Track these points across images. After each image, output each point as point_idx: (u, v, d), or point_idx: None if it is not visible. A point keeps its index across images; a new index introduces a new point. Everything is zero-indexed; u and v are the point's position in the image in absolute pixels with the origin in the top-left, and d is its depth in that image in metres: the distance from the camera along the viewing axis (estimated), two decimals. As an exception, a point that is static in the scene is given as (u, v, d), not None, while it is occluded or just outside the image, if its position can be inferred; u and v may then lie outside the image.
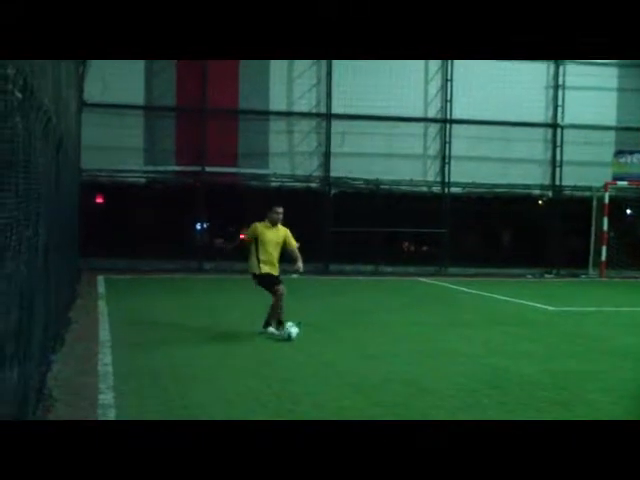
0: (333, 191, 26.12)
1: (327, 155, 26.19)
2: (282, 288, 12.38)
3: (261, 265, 12.37)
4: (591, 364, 10.96)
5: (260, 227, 12.49)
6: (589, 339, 13.25)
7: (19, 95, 4.90)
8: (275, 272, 12.48)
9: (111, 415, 7.42)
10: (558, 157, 27.70)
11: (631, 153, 28.23)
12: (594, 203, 26.92)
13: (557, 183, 27.68)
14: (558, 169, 27.68)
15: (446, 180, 27.04)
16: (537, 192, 27.91)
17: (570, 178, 27.48)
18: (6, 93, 4.48)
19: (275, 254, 12.47)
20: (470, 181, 26.90)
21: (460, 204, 26.93)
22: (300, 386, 8.98)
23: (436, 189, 27.19)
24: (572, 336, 13.54)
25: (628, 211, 28.49)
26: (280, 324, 12.31)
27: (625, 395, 9.15)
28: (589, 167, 27.33)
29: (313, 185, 26.26)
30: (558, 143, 27.71)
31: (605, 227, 26.49)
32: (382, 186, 26.28)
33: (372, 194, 26.34)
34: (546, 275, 26.67)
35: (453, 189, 27.08)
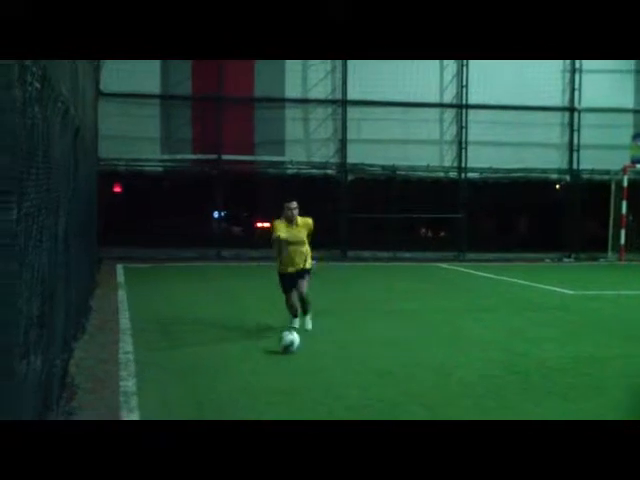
0: (350, 178, 26.08)
1: (343, 142, 26.13)
2: (292, 297, 11.74)
3: (281, 266, 11.74)
4: (613, 349, 10.91)
5: (277, 225, 11.67)
6: (610, 323, 13.20)
7: (38, 85, 4.92)
8: (294, 269, 11.65)
9: (133, 402, 7.47)
10: (575, 141, 27.53)
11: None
12: (612, 187, 26.74)
13: (575, 167, 27.52)
14: (575, 153, 27.51)
15: (463, 166, 26.95)
16: (554, 176, 27.76)
17: (588, 162, 27.32)
18: (25, 83, 4.49)
19: (295, 252, 11.60)
20: (487, 166, 26.79)
21: (477, 189, 26.86)
22: (324, 375, 8.98)
23: (453, 175, 27.10)
24: (592, 321, 13.50)
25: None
26: (295, 316, 11.88)
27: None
28: (607, 150, 27.14)
29: (330, 172, 26.23)
30: (575, 127, 27.53)
31: (624, 210, 26.32)
32: (399, 172, 26.21)
33: (389, 180, 26.30)
34: (565, 259, 26.56)
35: (470, 174, 26.97)
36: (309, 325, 11.80)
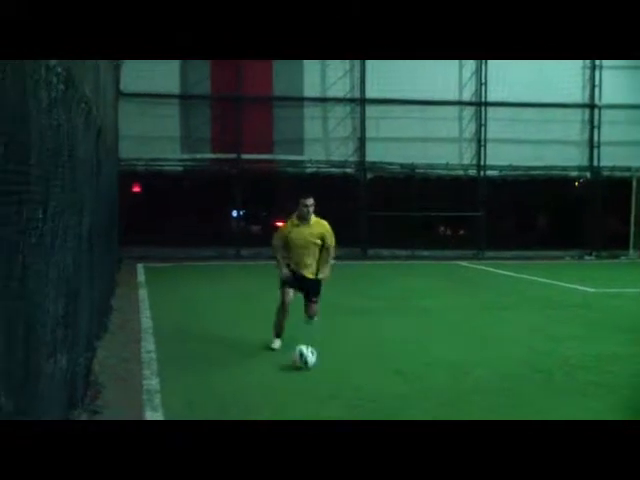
0: (369, 176, 26.08)
1: (362, 140, 26.14)
2: (288, 294, 10.18)
3: (291, 266, 10.20)
4: (635, 347, 10.88)
5: (286, 227, 10.24)
6: (632, 321, 13.15)
7: (62, 87, 4.96)
8: (300, 272, 10.16)
9: (157, 401, 7.51)
10: (596, 138, 27.41)
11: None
12: (634, 183, 26.63)
13: (595, 164, 27.39)
14: (596, 150, 27.39)
15: (482, 163, 26.88)
16: (574, 174, 27.65)
17: (608, 159, 27.19)
18: (50, 84, 4.53)
19: (306, 255, 10.14)
20: (506, 164, 26.71)
21: (496, 187, 26.79)
22: (342, 372, 9.01)
23: (472, 172, 27.04)
24: (615, 318, 13.43)
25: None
26: (278, 336, 10.29)
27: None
28: (628, 147, 27.02)
29: (348, 170, 26.24)
30: (595, 123, 27.41)
31: (644, 208, 26.25)
32: (417, 170, 26.19)
33: (408, 178, 26.27)
34: (585, 257, 26.46)
35: (489, 172, 26.92)
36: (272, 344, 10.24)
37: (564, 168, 27.21)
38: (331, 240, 10.21)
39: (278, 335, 10.21)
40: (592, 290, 17.19)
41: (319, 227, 10.18)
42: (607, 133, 27.22)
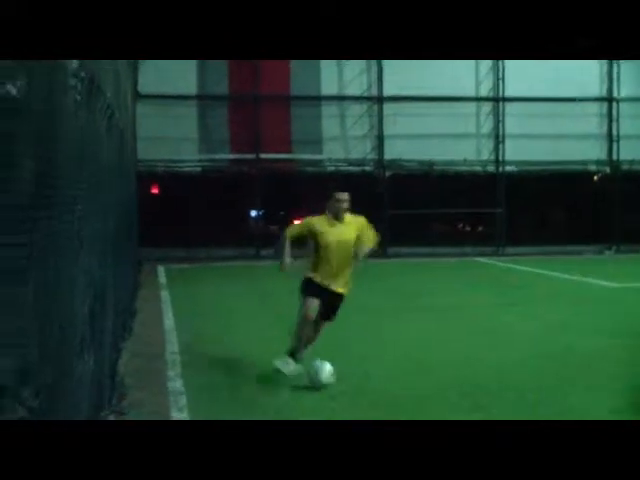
0: (387, 174, 26.07)
1: (380, 138, 26.13)
2: (313, 307, 8.49)
3: (311, 269, 8.64)
4: None
5: (317, 223, 8.60)
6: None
7: (86, 91, 5.00)
8: (327, 284, 8.54)
9: (182, 402, 7.56)
10: (614, 131, 27.28)
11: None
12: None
13: (614, 158, 27.26)
14: (615, 144, 27.26)
15: (500, 159, 26.82)
16: (593, 168, 27.50)
17: (628, 152, 27.06)
18: (75, 88, 4.58)
19: (341, 263, 8.54)
20: (525, 159, 26.64)
21: (515, 183, 26.71)
22: (360, 371, 9.04)
23: (490, 168, 26.97)
24: (638, 312, 13.40)
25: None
26: (293, 356, 8.58)
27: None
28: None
29: (367, 169, 26.25)
30: (614, 117, 27.29)
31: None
32: (436, 167, 26.15)
33: (426, 175, 26.24)
34: (606, 252, 26.34)
35: (508, 168, 26.84)
36: (285, 366, 8.52)
37: (583, 162, 27.09)
38: (370, 234, 8.76)
39: (294, 353, 8.56)
40: (614, 285, 17.12)
41: (356, 224, 8.67)
42: (626, 126, 27.08)
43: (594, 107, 27.39)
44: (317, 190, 24.80)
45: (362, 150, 26.20)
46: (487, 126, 27.06)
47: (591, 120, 27.31)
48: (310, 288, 8.53)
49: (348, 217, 8.63)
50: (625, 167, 27.13)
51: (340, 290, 8.58)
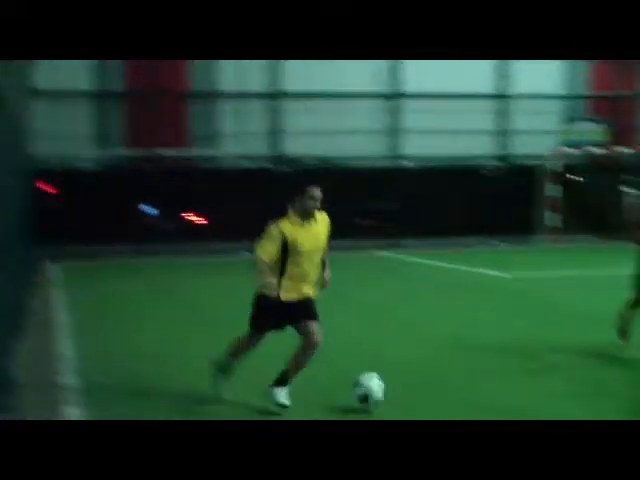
0: (286, 170, 26.11)
1: (278, 134, 26.19)
2: (318, 329, 7.25)
3: (282, 286, 7.25)
4: (552, 328, 11.21)
5: (287, 229, 7.31)
6: (548, 304, 13.51)
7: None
8: (300, 295, 7.32)
9: (75, 398, 7.47)
10: (508, 127, 28.04)
11: (580, 121, 28.60)
12: (543, 171, 27.18)
13: (507, 153, 28.01)
14: (508, 139, 28.01)
15: (398, 154, 27.20)
16: (487, 162, 28.15)
17: (520, 147, 27.85)
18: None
19: (313, 268, 7.42)
20: (422, 154, 27.07)
21: (413, 177, 27.08)
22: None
23: (388, 164, 27.34)
24: (531, 301, 13.81)
25: (576, 178, 28.73)
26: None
27: (589, 356, 9.42)
28: (538, 136, 27.65)
29: (265, 165, 26.26)
30: (507, 113, 28.03)
31: (555, 194, 26.89)
32: (334, 162, 26.33)
33: (325, 171, 26.36)
34: (499, 243, 26.94)
35: (405, 163, 27.24)
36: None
37: (477, 157, 27.73)
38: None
39: (224, 369, 7.64)
40: (507, 275, 17.56)
41: (324, 222, 7.66)
42: (519, 122, 27.94)
43: (488, 104, 28.05)
44: (214, 185, 24.73)
45: (260, 146, 26.20)
46: (385, 122, 27.42)
47: (485, 116, 27.98)
48: (268, 316, 7.29)
49: (317, 215, 7.55)
50: (517, 162, 27.91)
51: (309, 292, 7.39)
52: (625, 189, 27.93)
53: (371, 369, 7.44)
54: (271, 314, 7.27)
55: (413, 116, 27.09)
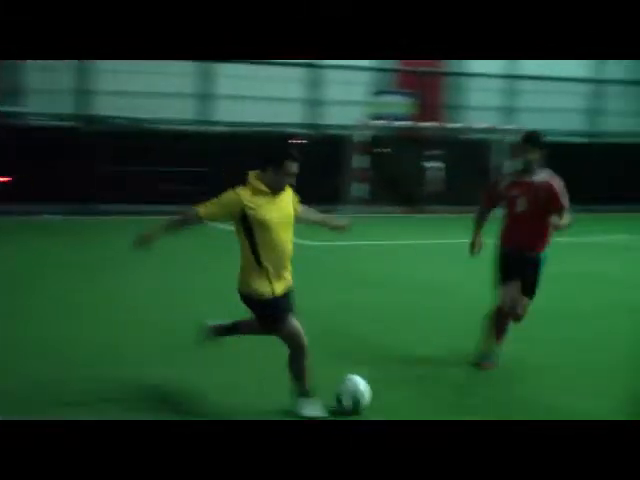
0: (96, 129, 25.51)
1: (87, 94, 25.54)
2: (297, 325, 6.47)
3: (272, 280, 6.39)
4: (358, 296, 11.77)
5: (248, 198, 6.34)
6: (354, 273, 14.07)
7: None
8: (286, 286, 6.51)
9: None
10: (318, 97, 28.50)
11: (387, 94, 29.32)
12: (351, 142, 27.47)
13: (317, 122, 28.51)
14: (318, 108, 28.50)
15: (208, 119, 27.15)
16: (298, 131, 28.44)
17: (330, 118, 28.47)
18: None
19: (289, 244, 6.50)
20: (232, 120, 27.12)
21: (224, 143, 27.06)
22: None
23: (200, 128, 27.23)
24: (338, 270, 14.37)
25: (383, 150, 29.19)
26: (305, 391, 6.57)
27: (392, 322, 9.98)
28: (348, 107, 28.15)
29: (75, 124, 25.57)
30: (318, 83, 28.53)
31: (362, 165, 27.36)
32: (147, 125, 25.97)
33: (136, 133, 25.95)
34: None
35: (217, 128, 27.24)
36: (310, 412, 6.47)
37: (287, 125, 28.01)
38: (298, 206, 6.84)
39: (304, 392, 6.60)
40: (314, 243, 17.87)
41: (289, 194, 6.66)
42: (329, 92, 28.54)
43: (300, 72, 28.41)
44: (19, 143, 23.79)
45: (69, 105, 25.47)
46: (200, 86, 27.33)
47: (297, 85, 28.38)
48: (280, 310, 6.39)
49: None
50: (326, 131, 28.44)
51: (289, 284, 6.56)
52: (428, 163, 29.23)
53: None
54: (280, 311, 6.38)
55: (225, 81, 27.07)
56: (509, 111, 31.25)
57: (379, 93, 29.05)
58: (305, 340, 6.40)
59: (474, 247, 8.29)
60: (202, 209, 6.36)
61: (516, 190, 7.96)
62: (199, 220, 6.41)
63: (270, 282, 6.31)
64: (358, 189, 27.48)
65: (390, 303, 11.30)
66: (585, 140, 32.41)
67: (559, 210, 7.82)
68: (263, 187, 6.33)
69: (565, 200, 7.90)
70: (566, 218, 7.77)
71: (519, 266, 8.00)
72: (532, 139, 7.94)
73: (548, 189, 7.87)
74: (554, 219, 7.70)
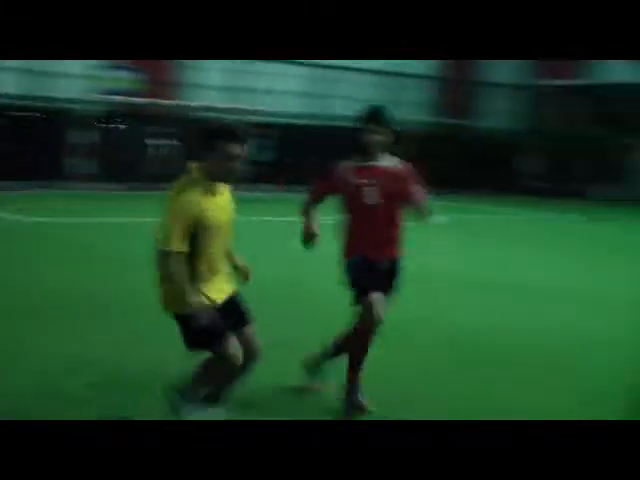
0: None
1: None
2: (238, 350, 5.27)
3: (208, 286, 5.33)
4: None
5: (193, 200, 5.16)
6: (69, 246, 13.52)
7: None
8: (225, 292, 5.48)
9: None
10: (40, 67, 26.38)
11: (116, 68, 27.86)
12: (78, 116, 26.39)
13: (38, 94, 26.32)
14: (39, 79, 26.57)
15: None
16: (16, 102, 26.04)
17: (53, 90, 26.58)
18: None
19: (223, 245, 5.42)
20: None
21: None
22: None
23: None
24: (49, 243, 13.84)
25: (111, 125, 27.75)
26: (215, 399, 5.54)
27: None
28: (75, 79, 26.68)
29: None
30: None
31: (90, 141, 26.35)
32: None
33: None
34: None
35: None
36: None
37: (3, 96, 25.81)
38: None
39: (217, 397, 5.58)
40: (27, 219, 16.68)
41: (228, 196, 5.53)
42: (53, 64, 26.49)
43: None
44: None
45: None
46: None
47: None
48: (214, 328, 5.18)
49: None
50: (50, 105, 26.46)
51: (230, 285, 5.57)
52: (151, 140, 28.44)
53: None
54: (212, 322, 5.15)
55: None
56: (243, 91, 30.66)
57: (106, 68, 27.73)
58: (239, 360, 5.30)
59: (310, 237, 6.47)
60: (175, 244, 5.10)
61: (363, 177, 6.33)
62: (179, 257, 5.12)
63: (207, 290, 5.31)
64: (84, 165, 26.21)
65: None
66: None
67: (417, 202, 6.33)
68: (204, 181, 5.24)
69: (424, 190, 6.39)
70: (426, 210, 6.37)
71: (381, 276, 6.36)
72: (377, 117, 6.31)
73: (402, 177, 6.37)
74: (413, 212, 6.32)
